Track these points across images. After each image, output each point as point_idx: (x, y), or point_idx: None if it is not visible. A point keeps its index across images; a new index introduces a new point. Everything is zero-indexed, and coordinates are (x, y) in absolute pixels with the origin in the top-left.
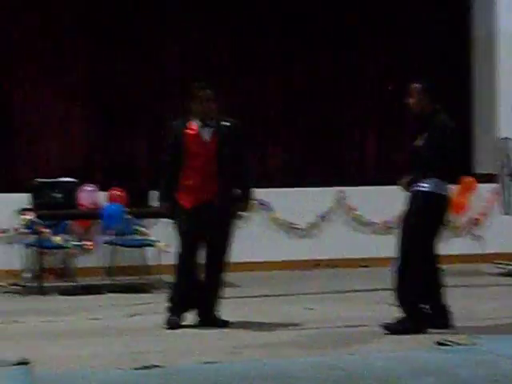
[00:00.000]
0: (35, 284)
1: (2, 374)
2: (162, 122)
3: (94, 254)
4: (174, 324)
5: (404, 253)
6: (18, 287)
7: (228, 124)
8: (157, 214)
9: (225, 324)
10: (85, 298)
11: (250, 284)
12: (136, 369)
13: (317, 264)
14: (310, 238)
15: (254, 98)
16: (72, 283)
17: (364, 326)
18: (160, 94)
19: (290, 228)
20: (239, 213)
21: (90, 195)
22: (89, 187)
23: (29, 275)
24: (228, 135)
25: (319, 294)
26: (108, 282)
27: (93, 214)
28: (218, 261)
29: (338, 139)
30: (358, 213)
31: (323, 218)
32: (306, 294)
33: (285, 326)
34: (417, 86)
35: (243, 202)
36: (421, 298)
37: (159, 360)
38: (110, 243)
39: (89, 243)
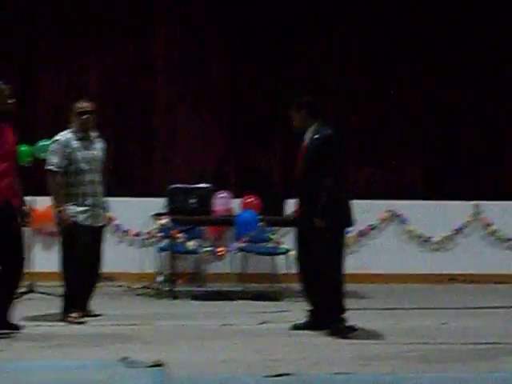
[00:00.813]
0: (167, 288)
1: (138, 376)
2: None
3: (226, 261)
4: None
5: None
6: (151, 290)
7: (316, 137)
8: (290, 223)
9: (347, 333)
10: (216, 304)
11: (382, 296)
12: (268, 376)
13: (452, 279)
14: (445, 251)
15: (391, 110)
16: (203, 288)
17: (500, 343)
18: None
19: (423, 241)
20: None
21: (225, 202)
22: (223, 194)
23: (161, 279)
24: (312, 148)
25: (453, 309)
26: (239, 288)
27: (226, 221)
28: (316, 272)
29: (476, 152)
30: (494, 227)
31: (458, 231)
32: (440, 308)
33: (417, 339)
34: None
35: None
36: None
37: (290, 368)
38: (243, 250)
39: (221, 249)
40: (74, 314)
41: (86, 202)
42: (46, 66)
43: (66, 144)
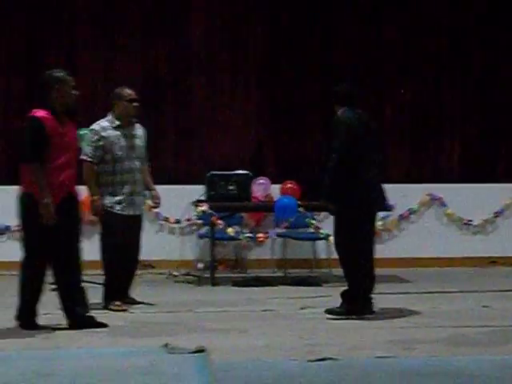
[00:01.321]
0: (208, 274)
1: (181, 361)
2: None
3: (266, 247)
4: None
5: None
6: (191, 277)
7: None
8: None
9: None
10: (257, 290)
11: (422, 280)
12: (311, 361)
13: (492, 262)
14: (485, 234)
15: (429, 92)
16: (244, 274)
17: None
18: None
19: (463, 224)
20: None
21: (264, 188)
22: (262, 180)
23: (201, 266)
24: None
25: (495, 291)
26: (279, 274)
27: (266, 207)
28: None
29: None
30: None
31: (499, 214)
32: (481, 291)
33: (458, 322)
34: None
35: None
36: None
37: (333, 353)
38: (282, 236)
39: (261, 235)
40: (116, 302)
41: (124, 191)
42: (84, 54)
43: (100, 133)
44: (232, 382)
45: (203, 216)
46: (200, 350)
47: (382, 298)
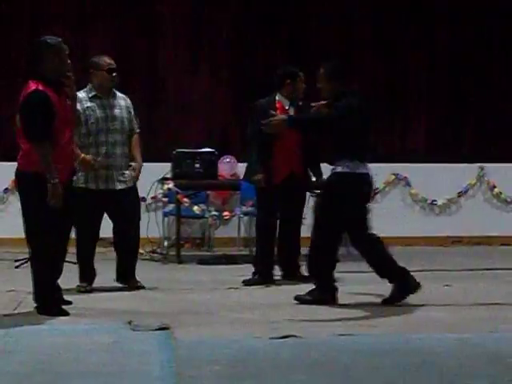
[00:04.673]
0: (173, 253)
1: (144, 339)
2: None
3: (232, 225)
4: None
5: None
6: (157, 255)
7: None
8: None
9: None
10: (222, 268)
11: None
12: (273, 338)
13: (457, 241)
14: (449, 214)
15: (396, 73)
16: (209, 253)
17: (505, 304)
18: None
19: (428, 204)
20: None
21: (230, 166)
22: (228, 158)
23: (167, 244)
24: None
25: (458, 271)
26: (245, 252)
27: (231, 185)
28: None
29: (481, 114)
30: (498, 190)
31: (462, 194)
32: (444, 270)
33: (421, 301)
34: (322, 71)
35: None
36: None
37: (296, 330)
38: (248, 214)
39: (227, 213)
40: (82, 284)
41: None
42: None
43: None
44: (195, 359)
45: (169, 194)
46: (164, 328)
47: (345, 276)
